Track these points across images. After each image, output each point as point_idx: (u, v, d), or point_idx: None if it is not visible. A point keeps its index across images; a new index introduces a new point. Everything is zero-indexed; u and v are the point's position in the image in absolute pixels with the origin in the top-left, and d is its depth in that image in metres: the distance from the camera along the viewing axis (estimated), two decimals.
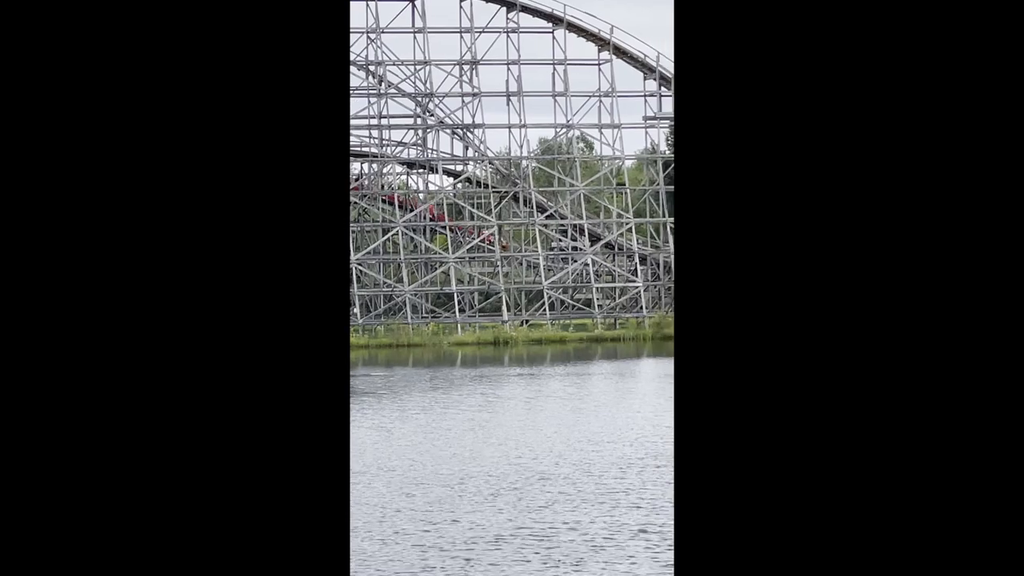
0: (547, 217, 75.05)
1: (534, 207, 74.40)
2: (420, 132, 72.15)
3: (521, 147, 75.14)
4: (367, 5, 68.08)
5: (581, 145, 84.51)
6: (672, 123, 77.95)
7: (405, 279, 68.93)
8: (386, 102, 69.90)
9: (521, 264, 74.79)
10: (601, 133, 77.04)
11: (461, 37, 71.96)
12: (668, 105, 76.20)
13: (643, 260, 75.63)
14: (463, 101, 72.23)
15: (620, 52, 75.23)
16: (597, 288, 74.22)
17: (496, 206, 73.50)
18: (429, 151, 72.76)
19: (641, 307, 73.60)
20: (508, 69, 73.47)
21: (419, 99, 71.17)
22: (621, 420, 30.04)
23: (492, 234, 72.96)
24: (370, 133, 70.74)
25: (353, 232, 68.45)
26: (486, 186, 74.61)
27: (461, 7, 71.41)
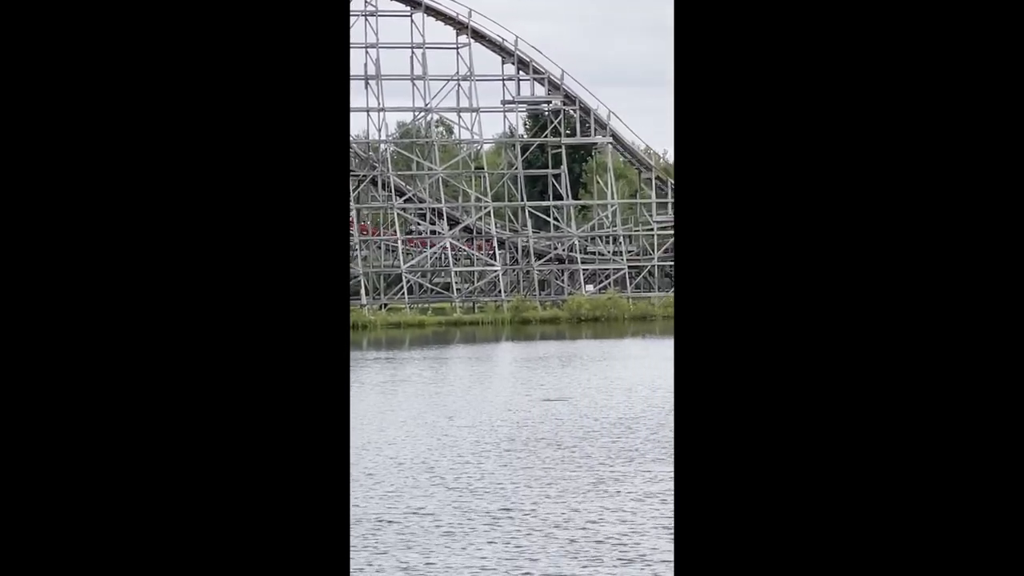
0: (405, 201, 74.86)
1: (392, 191, 74.17)
2: None
3: (380, 131, 74.86)
4: None
5: (440, 129, 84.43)
6: (529, 107, 78.12)
7: None
8: None
9: (379, 248, 74.55)
10: (460, 117, 77.04)
11: None
12: (526, 89, 76.36)
13: (501, 244, 75.73)
14: None
15: (478, 36, 75.22)
16: (456, 272, 74.20)
17: (354, 190, 73.13)
18: None
19: (499, 291, 73.71)
20: (366, 52, 73.15)
21: None
22: (477, 404, 30.04)
23: (351, 218, 72.59)
24: None
25: None
26: None
27: None
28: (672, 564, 13.84)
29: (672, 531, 15.38)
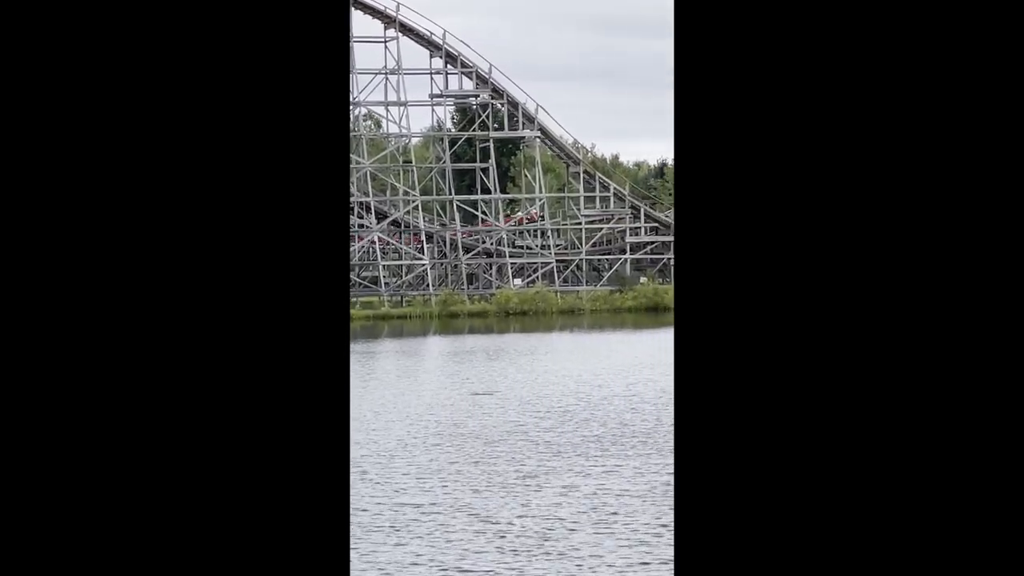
0: None
1: None
2: None
3: None
4: None
5: (368, 122, 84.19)
6: (457, 100, 78.04)
7: None
8: None
9: None
10: (387, 110, 76.88)
11: None
12: (454, 83, 76.30)
13: (430, 238, 75.66)
14: None
15: (406, 29, 75.07)
16: (383, 266, 74.06)
17: None
18: None
19: (428, 285, 73.65)
20: None
21: None
22: (405, 398, 30.00)
23: None
24: None
25: None
26: None
27: None
28: (609, 561, 13.88)
29: (606, 524, 15.42)
